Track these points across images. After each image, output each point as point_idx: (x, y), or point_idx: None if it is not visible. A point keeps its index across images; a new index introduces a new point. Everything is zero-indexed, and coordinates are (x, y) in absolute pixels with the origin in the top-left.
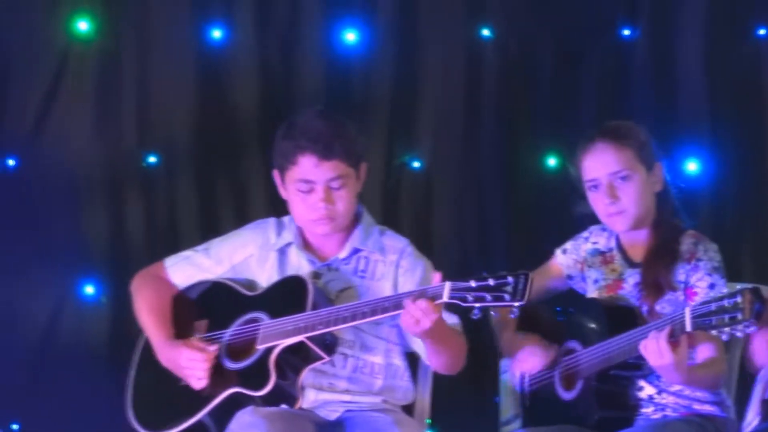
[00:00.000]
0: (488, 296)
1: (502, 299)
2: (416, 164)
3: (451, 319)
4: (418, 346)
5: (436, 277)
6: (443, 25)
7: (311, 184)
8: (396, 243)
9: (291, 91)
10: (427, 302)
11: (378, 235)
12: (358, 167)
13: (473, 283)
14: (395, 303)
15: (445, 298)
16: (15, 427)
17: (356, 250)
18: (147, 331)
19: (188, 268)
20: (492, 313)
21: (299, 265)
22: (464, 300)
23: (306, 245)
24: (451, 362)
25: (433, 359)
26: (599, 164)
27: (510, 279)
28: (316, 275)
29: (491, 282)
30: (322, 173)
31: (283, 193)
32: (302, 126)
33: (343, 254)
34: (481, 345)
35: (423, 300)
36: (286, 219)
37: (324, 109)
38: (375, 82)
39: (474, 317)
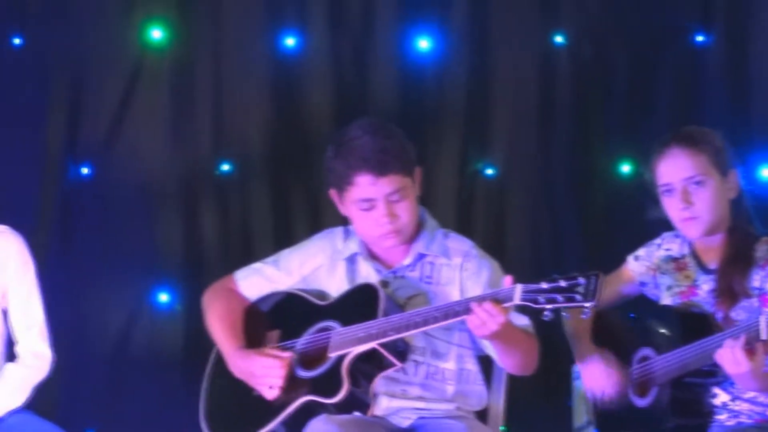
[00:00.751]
0: (559, 297)
1: (573, 300)
2: (490, 171)
3: (522, 321)
4: (490, 349)
5: (507, 279)
6: (516, 32)
7: (371, 201)
8: (460, 245)
9: (364, 98)
10: (493, 305)
11: (442, 239)
12: (413, 173)
13: (544, 285)
14: (466, 307)
15: (517, 300)
16: None
17: (421, 256)
18: (219, 343)
19: (259, 281)
20: (563, 314)
21: (367, 274)
22: (535, 302)
23: (371, 255)
24: (522, 363)
25: (504, 360)
26: (674, 169)
27: (581, 280)
28: (384, 284)
29: (562, 283)
30: (380, 190)
31: (343, 211)
32: (351, 145)
33: (408, 261)
34: (554, 349)
35: (489, 302)
36: (352, 227)
37: (369, 119)
38: (448, 89)
39: (545, 319)
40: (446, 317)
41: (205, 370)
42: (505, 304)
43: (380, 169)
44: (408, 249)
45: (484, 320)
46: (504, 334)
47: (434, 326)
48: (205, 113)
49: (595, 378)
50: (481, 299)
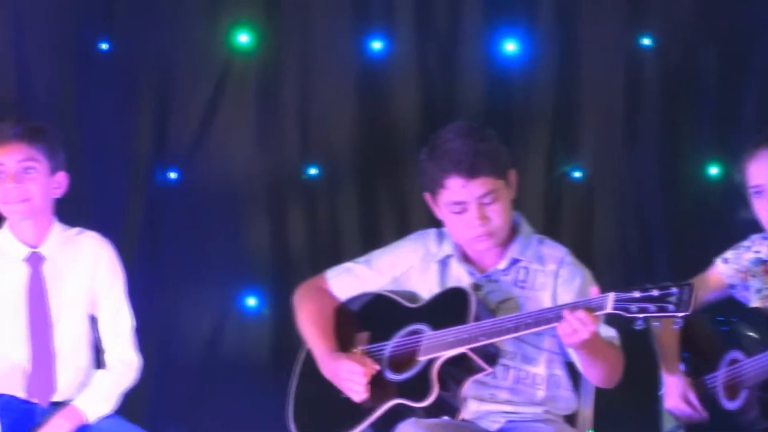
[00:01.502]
0: (652, 307)
1: (665, 310)
2: (577, 174)
3: (608, 332)
4: (575, 358)
5: (594, 290)
6: (603, 34)
7: (463, 204)
8: (555, 252)
9: (451, 101)
10: (585, 313)
11: (537, 245)
12: (507, 176)
13: (637, 294)
14: (557, 314)
15: (609, 309)
16: None
17: (515, 261)
18: (309, 342)
19: (350, 280)
20: (654, 324)
21: (459, 276)
22: (627, 311)
23: (465, 257)
24: (605, 375)
25: (588, 371)
26: (765, 170)
27: (674, 290)
28: (477, 287)
29: (655, 293)
30: (472, 192)
31: (438, 213)
32: (443, 148)
33: (502, 265)
34: (643, 353)
35: (582, 311)
36: (445, 230)
37: (462, 123)
38: (535, 92)
39: (637, 328)
40: (537, 324)
41: (294, 372)
42: (597, 313)
43: (471, 171)
44: (502, 253)
45: (576, 328)
46: (592, 344)
47: (525, 332)
48: (292, 117)
49: (675, 397)
50: (574, 306)
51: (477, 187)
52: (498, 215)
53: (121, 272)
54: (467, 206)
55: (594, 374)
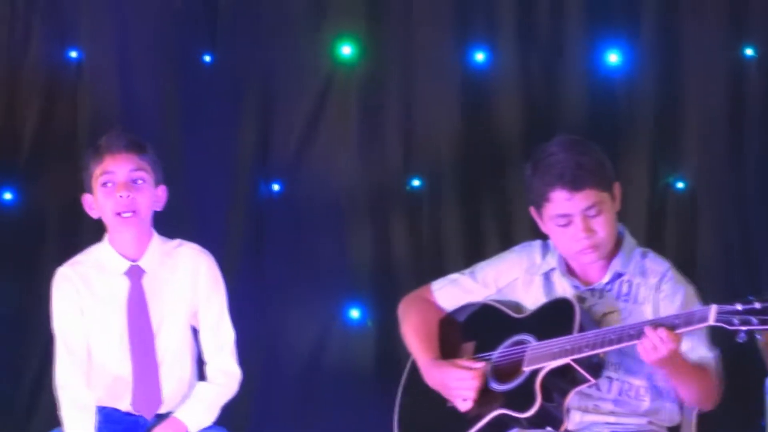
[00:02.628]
0: (754, 319)
1: None
2: (680, 185)
3: (705, 353)
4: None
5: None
6: (706, 44)
7: (568, 217)
8: (657, 266)
9: (554, 112)
10: (666, 331)
11: (640, 258)
12: (611, 189)
13: (739, 307)
14: (639, 330)
15: (711, 321)
16: None
17: (618, 275)
18: (414, 353)
19: (455, 291)
20: (757, 336)
21: (564, 289)
22: (730, 323)
23: (569, 271)
24: (695, 397)
25: (676, 390)
26: None
27: None
28: (581, 299)
29: (758, 305)
30: (576, 205)
31: (543, 228)
32: (547, 161)
33: (605, 278)
34: (748, 366)
35: (663, 329)
36: (550, 242)
37: (565, 136)
38: (638, 102)
39: (740, 341)
40: (640, 335)
41: (399, 383)
42: (700, 325)
43: (575, 184)
44: (606, 266)
45: (656, 345)
46: (672, 363)
47: (628, 344)
48: (395, 128)
49: None
50: (655, 324)
51: (582, 200)
52: (603, 228)
53: (222, 284)
54: (572, 219)
55: (682, 394)
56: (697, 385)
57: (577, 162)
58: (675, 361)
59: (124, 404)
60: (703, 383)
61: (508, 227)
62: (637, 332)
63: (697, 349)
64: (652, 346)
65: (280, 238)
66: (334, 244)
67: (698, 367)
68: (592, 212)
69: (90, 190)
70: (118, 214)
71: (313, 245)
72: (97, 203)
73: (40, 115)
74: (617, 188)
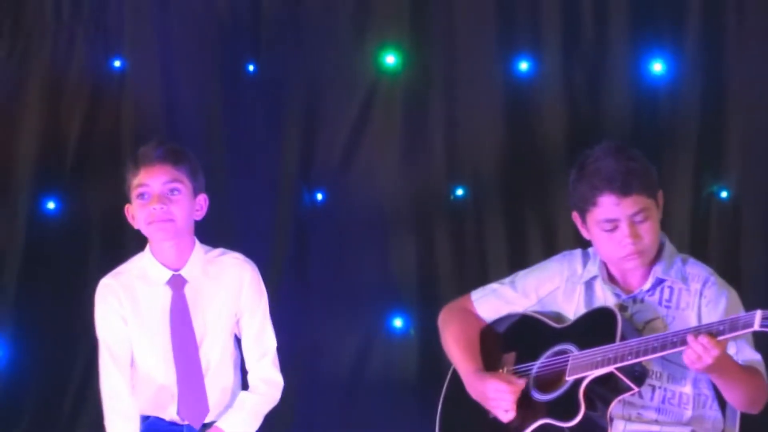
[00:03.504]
0: None
1: None
2: (724, 194)
3: (752, 356)
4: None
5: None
6: (750, 53)
7: (615, 222)
8: (699, 271)
9: (598, 121)
10: (708, 338)
11: (681, 264)
12: (656, 196)
13: None
14: (706, 332)
15: (757, 327)
16: None
17: (660, 281)
18: (455, 363)
19: (495, 301)
20: None
21: (605, 297)
22: None
23: (610, 278)
24: (745, 400)
25: (725, 394)
26: None
27: None
28: (622, 307)
29: None
30: (624, 210)
31: (586, 234)
32: (595, 166)
33: (647, 285)
34: None
35: (704, 335)
36: (591, 251)
37: (611, 142)
38: (682, 111)
39: None
40: (683, 343)
41: (441, 393)
42: (745, 331)
43: (624, 189)
44: (647, 273)
45: (700, 354)
46: (720, 368)
47: (671, 351)
48: (439, 137)
49: None
50: (697, 331)
51: (630, 205)
52: (649, 233)
53: (265, 293)
54: (619, 224)
55: (730, 397)
56: (746, 388)
57: (626, 167)
58: (722, 366)
59: (169, 414)
60: (752, 386)
61: (551, 236)
62: (680, 339)
63: (743, 351)
64: (696, 355)
65: (323, 248)
66: (378, 253)
67: (747, 370)
68: (639, 218)
69: (130, 201)
70: (151, 224)
71: (357, 254)
72: (134, 214)
73: (83, 124)
74: (661, 196)
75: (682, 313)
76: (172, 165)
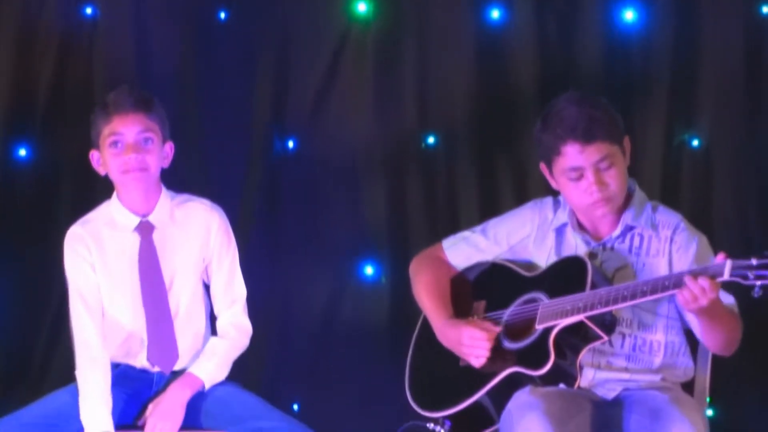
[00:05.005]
0: None
1: None
2: (696, 143)
3: (727, 299)
4: (694, 324)
5: (720, 257)
6: (723, 2)
7: (580, 170)
8: (669, 218)
9: (569, 70)
10: (708, 280)
11: (650, 212)
12: (622, 143)
13: (754, 261)
14: (676, 281)
15: (726, 276)
16: (295, 407)
17: (629, 228)
18: (427, 311)
19: (466, 249)
20: None
21: (575, 245)
22: (745, 278)
23: (580, 226)
24: (724, 342)
25: (706, 337)
26: None
27: None
28: (592, 255)
29: None
30: (588, 157)
31: (554, 184)
32: (558, 115)
33: (616, 232)
34: (761, 321)
35: (704, 278)
36: (561, 198)
37: (574, 91)
38: (653, 60)
39: (755, 296)
40: (654, 292)
41: (411, 341)
42: (716, 280)
43: (587, 137)
44: (617, 220)
45: (697, 295)
46: (711, 311)
47: (642, 300)
48: (410, 86)
49: None
50: (694, 273)
51: (593, 153)
52: (615, 180)
53: (233, 239)
54: (584, 172)
55: (713, 341)
56: (727, 329)
57: (589, 115)
58: (713, 308)
59: (139, 361)
60: (731, 327)
61: (522, 184)
62: (673, 282)
63: (723, 296)
64: (693, 298)
65: (294, 195)
66: (349, 200)
67: (730, 312)
68: (604, 165)
69: (97, 147)
70: (126, 173)
71: (328, 202)
72: (104, 161)
73: (55, 71)
74: (627, 142)
75: (652, 260)
76: (145, 113)
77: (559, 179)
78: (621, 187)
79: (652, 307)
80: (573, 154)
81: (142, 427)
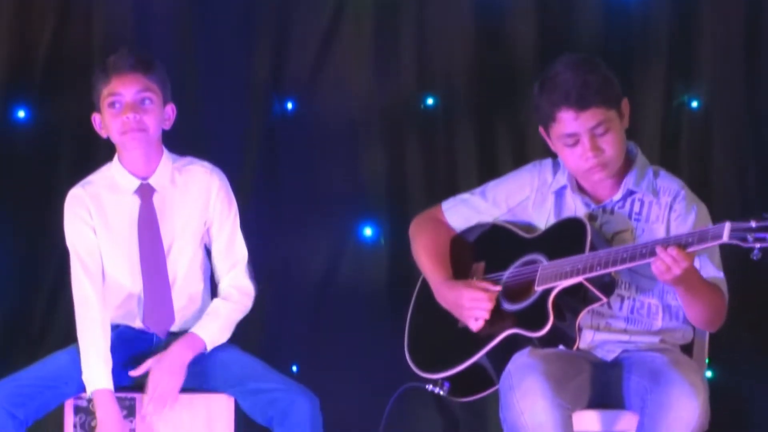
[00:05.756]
0: None
1: None
2: (695, 104)
3: (712, 272)
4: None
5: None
6: None
7: (575, 136)
8: (670, 185)
9: (568, 32)
10: (677, 250)
11: (652, 177)
12: (619, 106)
13: (753, 224)
14: (651, 250)
15: (725, 239)
16: (294, 368)
17: (630, 192)
18: (426, 272)
19: (465, 211)
20: None
21: (575, 207)
22: (744, 240)
23: (580, 188)
24: (705, 318)
25: (687, 312)
26: None
27: None
28: (592, 217)
29: None
30: (583, 124)
31: (552, 147)
32: (553, 81)
33: (617, 196)
34: (760, 283)
35: (674, 247)
36: (561, 160)
37: (571, 55)
38: (653, 22)
39: (754, 258)
40: (652, 254)
41: (411, 302)
42: (714, 242)
43: (581, 103)
44: (618, 184)
45: (669, 265)
46: (687, 282)
47: (641, 263)
48: (409, 47)
49: None
50: (665, 243)
51: (588, 119)
52: (611, 146)
53: (234, 202)
54: (579, 138)
55: (693, 315)
56: (708, 304)
57: (583, 81)
58: (689, 279)
59: (138, 323)
60: (713, 303)
61: (521, 145)
62: (649, 251)
63: (706, 268)
64: (665, 266)
65: (293, 156)
66: (348, 162)
67: (711, 287)
68: (600, 130)
69: (98, 110)
70: (125, 133)
71: (327, 163)
72: (105, 123)
73: (53, 33)
74: (625, 105)
75: (652, 226)
76: (144, 74)
77: (556, 144)
78: (618, 152)
79: (648, 271)
80: (568, 121)
81: (143, 387)
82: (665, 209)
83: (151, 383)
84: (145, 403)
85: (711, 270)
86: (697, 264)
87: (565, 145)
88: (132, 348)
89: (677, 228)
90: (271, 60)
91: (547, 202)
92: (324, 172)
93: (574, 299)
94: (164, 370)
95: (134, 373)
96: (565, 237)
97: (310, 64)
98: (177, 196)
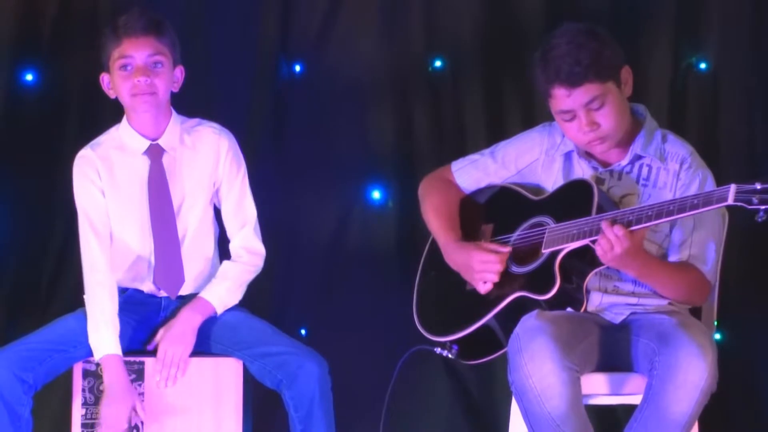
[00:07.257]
0: None
1: None
2: (703, 66)
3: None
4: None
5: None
6: None
7: (571, 112)
8: (678, 150)
9: None
10: (623, 229)
11: (660, 141)
12: (616, 77)
13: (758, 186)
14: (680, 206)
15: (730, 201)
16: (303, 332)
17: (638, 157)
18: (435, 233)
19: (475, 172)
20: None
21: (582, 170)
22: (749, 202)
23: (587, 153)
24: (671, 295)
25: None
26: None
27: None
28: (599, 180)
29: None
30: (576, 100)
31: (555, 118)
32: (548, 56)
33: (625, 161)
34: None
35: (619, 226)
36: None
37: (567, 27)
38: None
39: (759, 220)
40: (658, 216)
41: (419, 265)
42: (719, 205)
43: (572, 81)
44: (625, 149)
45: (612, 243)
46: (633, 264)
47: (648, 225)
48: (417, 9)
49: None
50: (612, 220)
51: (581, 95)
52: (607, 119)
53: (243, 162)
54: (575, 113)
55: (659, 292)
56: (673, 284)
57: (575, 57)
58: (633, 261)
59: (147, 286)
60: (682, 283)
61: (530, 107)
62: (655, 213)
63: (690, 246)
64: (608, 245)
65: (301, 119)
66: (356, 124)
67: (677, 266)
68: (595, 105)
69: (107, 70)
70: (135, 96)
71: (335, 126)
72: (114, 84)
73: None
74: (626, 72)
75: (659, 191)
76: (156, 37)
77: (555, 117)
78: (616, 124)
79: (649, 235)
80: (561, 98)
81: (153, 352)
82: (673, 176)
83: (161, 350)
84: (156, 370)
85: (695, 249)
86: (679, 237)
87: (563, 120)
88: (141, 312)
89: (682, 195)
90: (279, 22)
91: (555, 163)
92: (332, 135)
93: (581, 262)
94: (174, 337)
95: (149, 347)
96: (572, 199)
97: (317, 27)
98: (186, 156)
